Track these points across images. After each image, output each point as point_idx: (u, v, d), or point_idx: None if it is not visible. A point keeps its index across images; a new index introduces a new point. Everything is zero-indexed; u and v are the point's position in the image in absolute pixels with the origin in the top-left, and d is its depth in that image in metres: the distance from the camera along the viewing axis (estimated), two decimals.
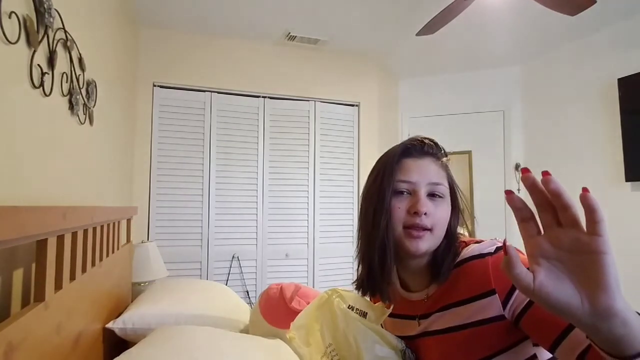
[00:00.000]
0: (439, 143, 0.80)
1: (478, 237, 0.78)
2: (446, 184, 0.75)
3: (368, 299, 0.87)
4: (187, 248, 2.64)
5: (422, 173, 0.73)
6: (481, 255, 0.69)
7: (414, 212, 0.70)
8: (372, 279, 0.77)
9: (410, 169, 0.74)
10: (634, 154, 2.39)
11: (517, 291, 0.63)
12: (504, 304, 0.64)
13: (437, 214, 0.72)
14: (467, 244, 0.75)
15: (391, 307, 0.82)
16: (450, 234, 0.75)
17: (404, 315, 0.82)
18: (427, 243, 0.71)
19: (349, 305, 0.84)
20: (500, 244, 0.69)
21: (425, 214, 0.70)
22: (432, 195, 0.73)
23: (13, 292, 0.74)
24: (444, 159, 0.78)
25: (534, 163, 3.21)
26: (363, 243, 0.77)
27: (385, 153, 0.79)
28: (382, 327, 0.83)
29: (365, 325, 0.79)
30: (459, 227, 0.79)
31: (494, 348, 0.67)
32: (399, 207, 0.72)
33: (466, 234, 0.81)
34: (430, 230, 0.71)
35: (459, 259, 0.73)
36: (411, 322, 0.80)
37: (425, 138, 0.79)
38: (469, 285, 0.69)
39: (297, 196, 2.91)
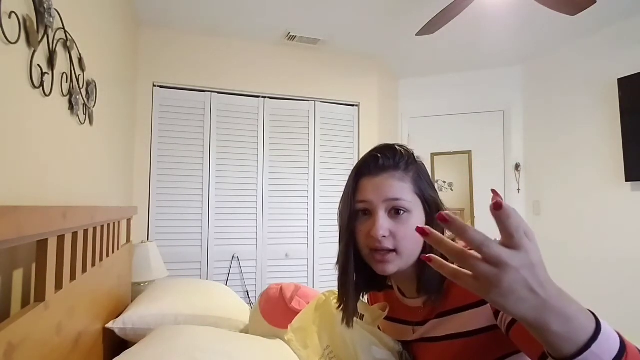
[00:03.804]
0: (403, 149, 0.73)
1: None
2: (409, 197, 0.69)
3: (365, 301, 0.87)
4: (187, 248, 2.64)
5: (378, 191, 0.69)
6: None
7: (371, 235, 0.68)
8: (339, 292, 0.78)
9: (366, 188, 0.71)
10: (634, 154, 2.39)
11: None
12: (496, 313, 0.62)
13: (400, 233, 0.67)
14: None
15: (387, 310, 0.81)
16: (424, 248, 0.70)
17: (402, 320, 0.82)
18: (394, 265, 0.68)
19: None
20: None
21: (384, 236, 0.67)
22: (395, 211, 0.69)
23: (13, 292, 0.74)
24: (411, 166, 0.72)
25: (534, 163, 3.21)
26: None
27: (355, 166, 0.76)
28: (379, 329, 0.83)
29: (362, 327, 0.79)
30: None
31: (490, 358, 0.66)
32: (362, 230, 0.71)
33: None
34: (394, 250, 0.68)
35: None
36: (407, 328, 0.80)
37: (382, 150, 0.73)
38: (462, 293, 0.68)
39: (297, 196, 2.91)
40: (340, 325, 0.80)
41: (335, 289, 0.91)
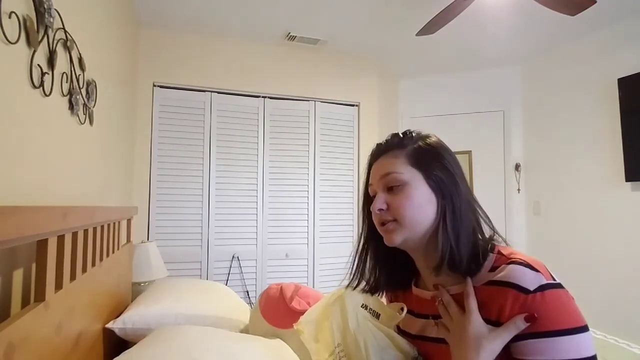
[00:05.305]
0: (405, 131, 0.79)
1: None
2: (402, 169, 0.72)
3: (383, 301, 0.85)
4: (187, 248, 2.64)
5: (376, 173, 0.76)
6: (519, 288, 0.61)
7: (375, 212, 0.74)
8: (357, 266, 0.83)
9: (372, 172, 0.78)
10: (634, 154, 2.39)
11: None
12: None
13: (395, 202, 0.72)
14: (507, 257, 0.66)
15: (404, 312, 0.78)
16: (441, 219, 0.70)
17: (423, 314, 0.78)
18: (397, 234, 0.72)
19: (363, 304, 0.82)
20: (545, 282, 0.61)
21: (380, 209, 0.73)
22: (389, 188, 0.74)
23: (13, 292, 0.74)
24: (406, 141, 0.75)
25: (534, 163, 3.21)
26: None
27: None
28: (397, 328, 0.80)
29: (378, 328, 0.76)
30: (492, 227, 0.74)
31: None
32: (371, 211, 0.77)
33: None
34: (395, 220, 0.72)
35: (494, 278, 0.64)
36: (429, 321, 0.76)
37: (390, 136, 0.79)
38: (496, 308, 0.63)
39: (297, 196, 2.91)
40: (353, 324, 0.78)
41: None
